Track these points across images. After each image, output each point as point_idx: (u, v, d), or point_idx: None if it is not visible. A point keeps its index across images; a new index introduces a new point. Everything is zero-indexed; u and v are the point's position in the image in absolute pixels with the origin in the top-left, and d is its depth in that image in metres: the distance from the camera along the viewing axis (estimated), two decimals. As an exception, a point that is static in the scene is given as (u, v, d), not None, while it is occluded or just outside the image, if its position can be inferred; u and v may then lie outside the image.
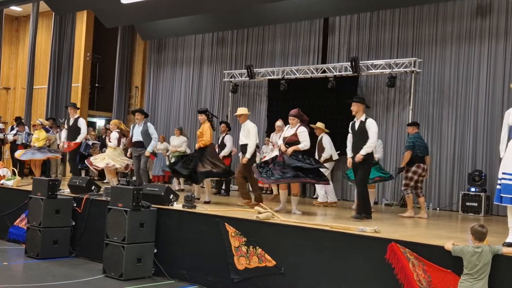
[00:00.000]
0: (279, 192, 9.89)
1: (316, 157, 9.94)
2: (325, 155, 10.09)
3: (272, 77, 13.17)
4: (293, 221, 6.62)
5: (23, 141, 13.43)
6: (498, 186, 5.28)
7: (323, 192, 10.01)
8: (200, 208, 7.57)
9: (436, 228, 7.36)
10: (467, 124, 10.73)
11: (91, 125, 16.63)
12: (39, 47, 16.83)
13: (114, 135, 11.00)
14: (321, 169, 8.24)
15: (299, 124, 8.06)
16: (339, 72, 12.11)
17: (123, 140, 11.76)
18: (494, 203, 5.52)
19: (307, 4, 12.31)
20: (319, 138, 10.28)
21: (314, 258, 5.98)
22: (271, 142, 11.00)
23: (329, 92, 12.12)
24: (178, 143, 12.24)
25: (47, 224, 8.05)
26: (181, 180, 11.86)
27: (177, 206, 7.62)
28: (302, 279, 6.02)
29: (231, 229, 6.68)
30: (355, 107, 7.72)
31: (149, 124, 10.14)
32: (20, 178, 10.59)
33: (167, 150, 12.61)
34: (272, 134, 11.11)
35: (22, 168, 13.10)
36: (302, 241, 6.13)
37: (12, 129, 14.14)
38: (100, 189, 8.92)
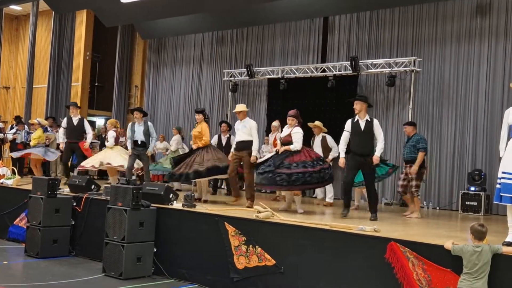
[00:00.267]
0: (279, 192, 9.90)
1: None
2: (333, 153, 9.89)
3: (272, 76, 13.16)
4: (292, 220, 6.62)
5: (23, 140, 13.42)
6: (497, 185, 5.28)
7: (329, 190, 9.86)
8: (200, 207, 7.57)
9: (436, 227, 7.36)
10: (467, 123, 10.73)
11: (90, 124, 16.58)
12: (38, 46, 16.83)
13: (111, 133, 10.96)
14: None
15: (296, 124, 8.05)
16: (338, 71, 12.10)
17: (122, 139, 11.72)
18: (494, 202, 5.53)
19: (307, 3, 12.31)
20: (321, 138, 10.11)
21: (313, 257, 5.98)
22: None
23: (329, 91, 12.11)
24: (162, 146, 12.75)
25: (46, 223, 8.05)
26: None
27: (177, 205, 7.63)
28: (302, 278, 6.02)
29: (230, 228, 6.68)
30: (358, 106, 7.58)
31: (149, 123, 10.12)
32: (19, 177, 10.59)
33: (167, 150, 12.62)
34: (270, 134, 11.09)
35: (21, 167, 13.08)
36: (302, 241, 6.13)
37: (11, 128, 14.14)
38: (99, 188, 8.93)
